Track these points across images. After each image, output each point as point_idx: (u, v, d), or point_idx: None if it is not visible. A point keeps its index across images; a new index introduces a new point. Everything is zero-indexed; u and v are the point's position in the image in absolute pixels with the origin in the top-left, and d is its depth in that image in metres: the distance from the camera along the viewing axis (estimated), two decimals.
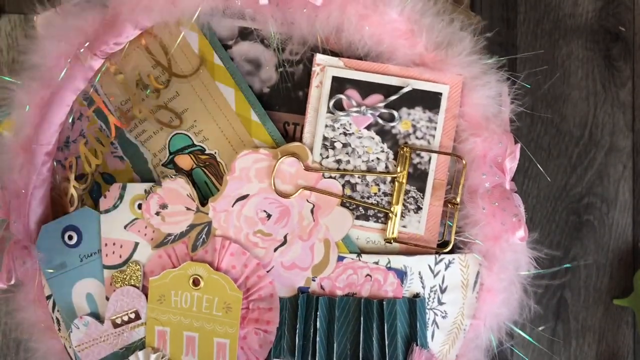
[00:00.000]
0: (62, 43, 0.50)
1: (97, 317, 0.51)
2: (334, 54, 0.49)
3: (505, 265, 0.48)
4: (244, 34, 0.50)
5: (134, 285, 0.50)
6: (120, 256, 0.50)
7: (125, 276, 0.50)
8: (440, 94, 0.47)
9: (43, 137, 0.51)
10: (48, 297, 0.52)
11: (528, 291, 0.49)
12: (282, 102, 0.50)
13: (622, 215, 0.69)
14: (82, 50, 0.50)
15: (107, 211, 0.50)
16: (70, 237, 0.51)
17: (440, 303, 0.49)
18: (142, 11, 0.49)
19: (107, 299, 0.51)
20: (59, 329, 0.53)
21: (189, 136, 0.50)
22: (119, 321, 0.50)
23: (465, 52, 0.48)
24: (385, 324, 0.47)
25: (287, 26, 0.48)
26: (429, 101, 0.47)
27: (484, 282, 0.49)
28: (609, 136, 0.70)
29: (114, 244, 0.50)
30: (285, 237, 0.49)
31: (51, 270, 0.51)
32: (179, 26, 0.50)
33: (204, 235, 0.49)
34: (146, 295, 0.50)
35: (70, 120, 0.53)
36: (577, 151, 0.70)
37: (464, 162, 0.47)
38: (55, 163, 0.53)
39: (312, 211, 0.48)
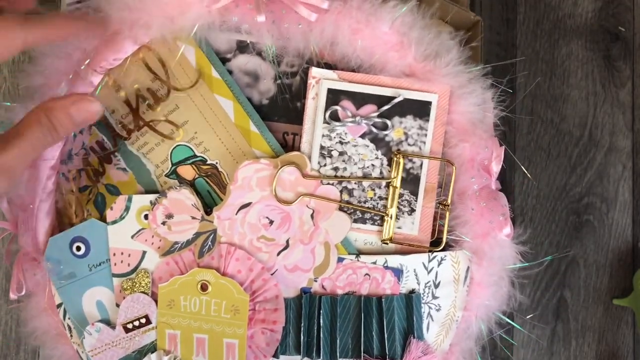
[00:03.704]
0: (62, 61, 0.51)
1: (108, 323, 0.53)
2: (328, 65, 0.51)
3: (493, 260, 0.52)
4: (242, 47, 0.52)
5: (143, 292, 0.52)
6: (129, 265, 0.53)
7: (134, 283, 0.53)
8: (430, 102, 0.50)
9: (47, 152, 0.53)
10: (59, 306, 0.54)
11: (515, 283, 0.53)
12: (280, 113, 0.53)
13: (621, 215, 0.70)
14: (82, 67, 0.51)
15: (114, 222, 0.52)
16: (78, 248, 0.53)
17: (434, 297, 0.52)
18: (141, 28, 0.50)
19: (117, 305, 0.53)
20: (71, 335, 0.55)
21: (190, 147, 0.53)
22: (130, 326, 0.53)
23: (452, 63, 0.50)
24: (384, 319, 0.51)
25: (284, 40, 0.50)
26: (419, 110, 0.50)
27: (474, 276, 0.52)
28: (608, 136, 0.70)
29: (122, 253, 0.52)
30: (287, 241, 0.51)
31: (61, 281, 0.53)
32: (176, 41, 0.52)
33: (209, 243, 0.51)
34: (156, 301, 0.52)
35: (72, 134, 0.54)
36: (577, 151, 0.70)
37: (454, 166, 0.50)
38: (60, 175, 0.55)
39: (312, 216, 0.51)
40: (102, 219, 0.53)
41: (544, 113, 0.69)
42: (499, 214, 0.50)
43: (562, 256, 0.71)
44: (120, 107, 0.53)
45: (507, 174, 0.66)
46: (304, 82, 0.52)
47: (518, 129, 0.53)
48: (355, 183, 0.51)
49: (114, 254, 0.52)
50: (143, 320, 0.53)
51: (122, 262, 0.53)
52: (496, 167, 0.51)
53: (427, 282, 0.52)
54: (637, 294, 0.69)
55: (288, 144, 0.53)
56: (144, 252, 0.52)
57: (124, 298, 0.53)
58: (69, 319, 0.54)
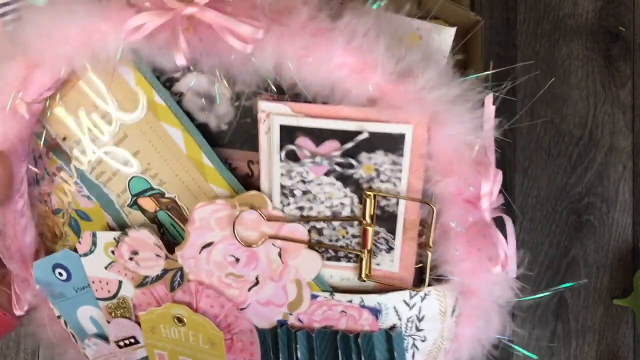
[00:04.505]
0: None
1: (104, 336, 0.55)
2: (280, 90, 0.42)
3: (482, 296, 0.46)
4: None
5: (127, 317, 0.53)
6: (109, 291, 0.52)
7: (118, 307, 0.53)
8: (403, 135, 0.41)
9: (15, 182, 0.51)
10: (59, 316, 0.56)
11: (509, 313, 0.47)
12: (243, 139, 0.46)
13: (622, 215, 0.65)
14: (17, 101, 0.46)
15: (85, 254, 0.51)
16: (60, 274, 0.53)
17: (418, 330, 0.48)
18: (61, 58, 0.44)
19: (109, 322, 0.54)
20: (76, 341, 0.57)
21: (146, 179, 0.48)
22: (121, 344, 0.54)
23: (432, 81, 0.40)
24: (363, 356, 0.48)
25: (224, 69, 0.42)
26: (391, 143, 0.42)
27: (462, 309, 0.47)
28: (609, 136, 0.65)
29: (100, 281, 0.52)
30: (256, 278, 0.48)
31: (54, 299, 0.54)
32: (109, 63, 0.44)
33: (178, 278, 0.49)
34: (139, 324, 0.53)
35: (33, 160, 0.51)
36: (577, 151, 0.65)
37: (434, 209, 0.42)
38: (38, 194, 0.53)
39: (279, 254, 0.47)
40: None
41: (544, 113, 0.63)
42: (487, 256, 0.43)
43: (562, 256, 0.66)
44: (70, 134, 0.49)
45: (507, 174, 0.61)
46: None
47: (518, 129, 0.47)
48: (324, 222, 0.45)
49: (93, 282, 0.52)
50: (132, 340, 0.54)
51: (102, 288, 0.52)
52: (487, 202, 0.43)
53: (410, 317, 0.47)
54: (637, 294, 0.65)
55: (254, 174, 0.47)
56: (120, 282, 0.51)
57: (112, 317, 0.53)
58: (70, 328, 0.57)
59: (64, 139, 0.49)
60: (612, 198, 0.67)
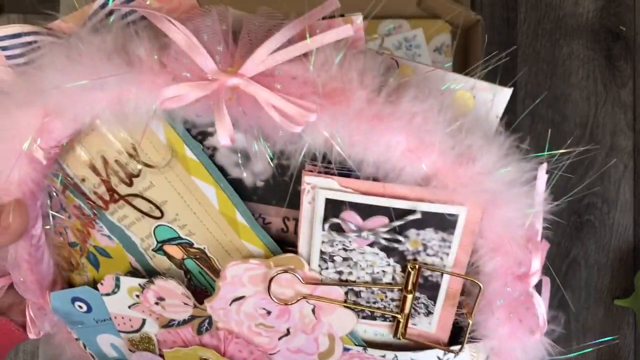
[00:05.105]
0: (9, 145, 0.42)
1: None
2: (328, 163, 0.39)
3: (516, 357, 0.46)
4: None
5: (151, 351, 0.52)
6: (132, 326, 0.51)
7: (141, 341, 0.52)
8: (457, 216, 0.39)
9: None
10: (77, 339, 0.55)
11: None
12: (279, 196, 0.43)
13: (622, 215, 0.65)
14: (34, 148, 0.43)
15: (107, 294, 0.49)
16: (80, 306, 0.51)
17: None
18: (85, 115, 0.40)
19: (131, 351, 0.53)
20: None
21: (174, 229, 0.45)
22: None
23: (490, 166, 0.37)
24: None
25: (268, 140, 0.38)
26: (443, 223, 0.39)
27: None
28: (609, 136, 0.65)
29: (122, 317, 0.50)
30: (288, 329, 0.47)
31: (73, 326, 0.53)
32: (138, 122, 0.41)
33: (206, 324, 0.48)
34: (163, 357, 0.52)
35: (48, 196, 0.48)
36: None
37: (481, 287, 0.41)
38: (54, 227, 0.50)
39: (313, 311, 0.46)
40: (99, 275, 0.50)
41: (544, 113, 0.62)
42: (528, 326, 0.43)
43: (563, 257, 0.65)
44: (90, 177, 0.45)
45: None
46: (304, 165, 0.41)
47: (519, 129, 0.46)
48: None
49: (115, 317, 0.51)
50: None
51: (124, 323, 0.51)
52: (536, 280, 0.41)
53: None
54: (638, 294, 0.65)
55: (289, 230, 0.44)
56: (144, 320, 0.50)
57: (135, 349, 0.52)
58: (89, 350, 0.56)
59: (83, 180, 0.46)
60: (612, 198, 0.66)
